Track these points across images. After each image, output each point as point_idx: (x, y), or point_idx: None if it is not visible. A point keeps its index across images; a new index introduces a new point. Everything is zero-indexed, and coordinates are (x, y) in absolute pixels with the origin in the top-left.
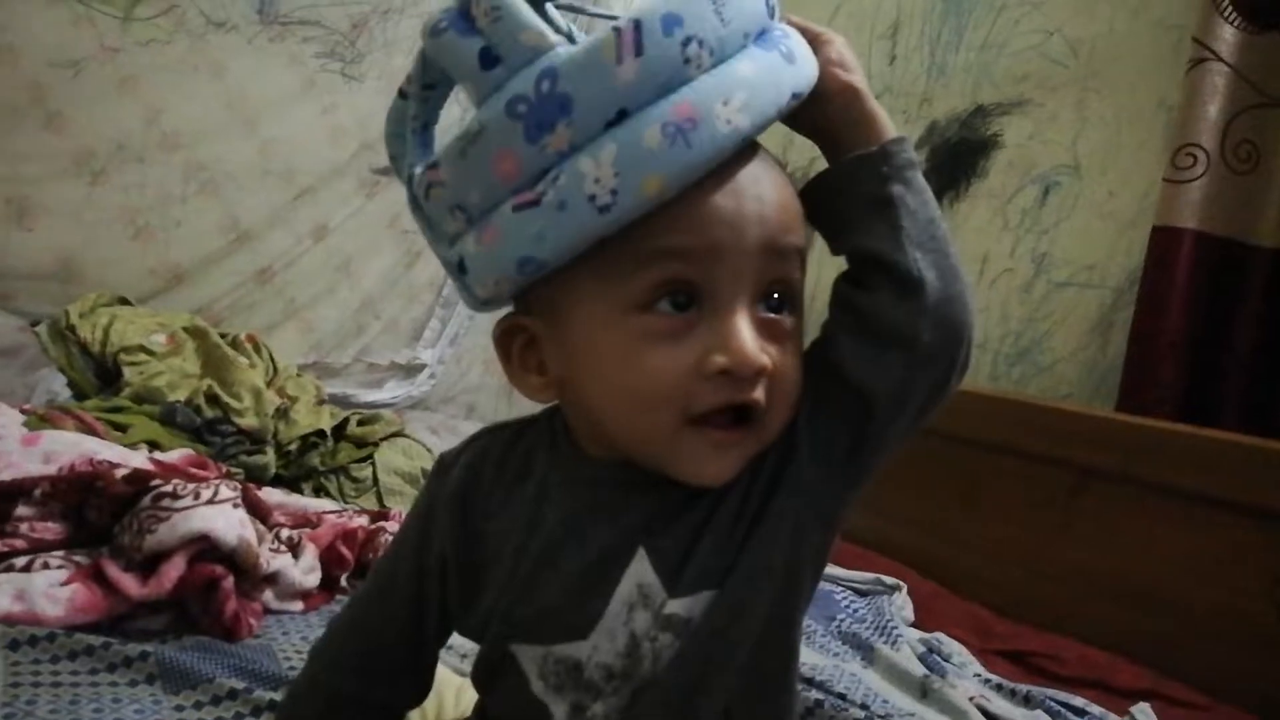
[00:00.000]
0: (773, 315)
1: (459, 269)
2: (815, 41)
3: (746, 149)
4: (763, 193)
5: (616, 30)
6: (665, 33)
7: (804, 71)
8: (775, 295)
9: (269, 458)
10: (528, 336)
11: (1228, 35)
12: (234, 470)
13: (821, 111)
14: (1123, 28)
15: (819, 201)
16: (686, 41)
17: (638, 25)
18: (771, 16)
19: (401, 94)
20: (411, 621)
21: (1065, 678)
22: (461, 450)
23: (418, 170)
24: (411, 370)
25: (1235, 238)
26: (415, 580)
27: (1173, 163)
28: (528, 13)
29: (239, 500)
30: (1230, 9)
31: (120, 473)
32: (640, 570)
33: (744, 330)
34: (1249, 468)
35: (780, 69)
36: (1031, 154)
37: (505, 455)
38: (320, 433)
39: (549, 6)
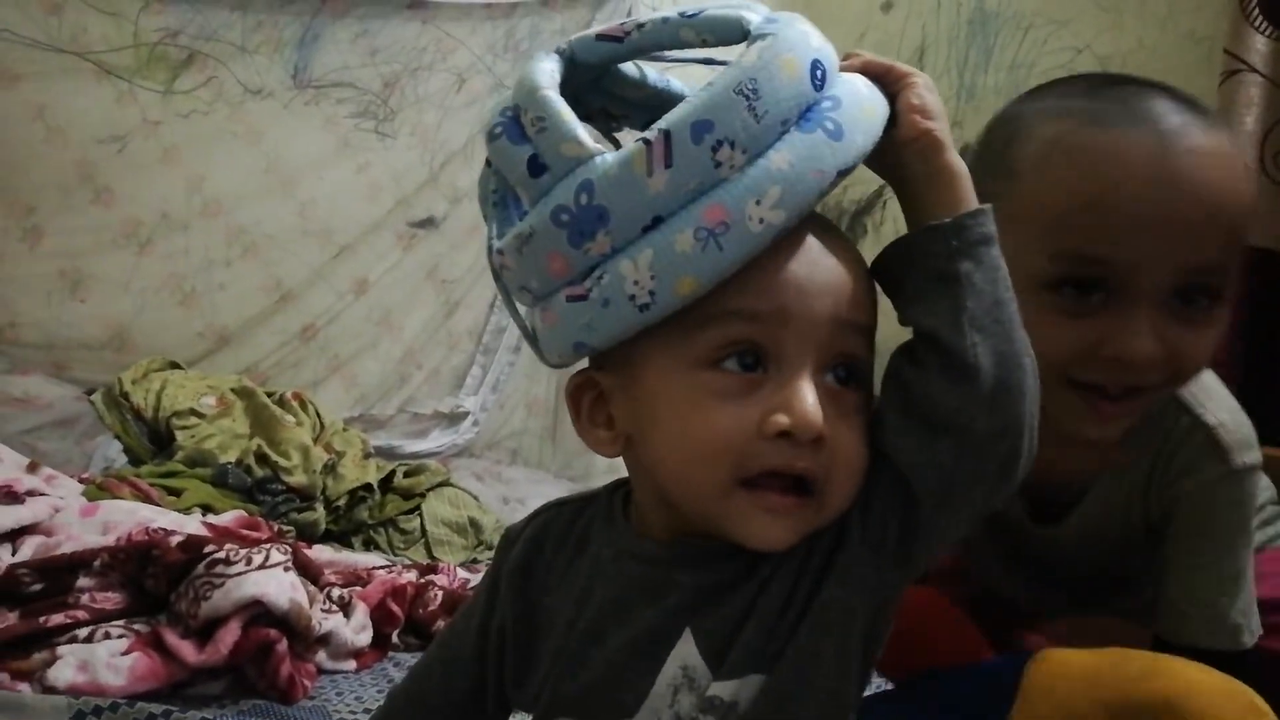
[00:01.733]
0: (839, 386)
1: (532, 337)
2: (896, 83)
3: (825, 225)
4: (835, 265)
5: (646, 142)
6: (694, 140)
7: (853, 146)
8: (841, 368)
9: (319, 514)
10: (597, 392)
11: (1259, 45)
12: (285, 529)
13: (898, 158)
14: (1152, 42)
15: (889, 269)
16: (717, 146)
17: (667, 137)
18: (820, 87)
19: (487, 162)
20: (471, 695)
21: None
22: (525, 524)
23: (492, 249)
24: (455, 418)
25: (1278, 250)
26: (478, 652)
27: None
28: (569, 123)
29: (289, 563)
30: (1260, 18)
31: (175, 540)
32: (686, 652)
33: (807, 393)
34: None
35: (822, 150)
36: None
37: (567, 530)
38: (368, 486)
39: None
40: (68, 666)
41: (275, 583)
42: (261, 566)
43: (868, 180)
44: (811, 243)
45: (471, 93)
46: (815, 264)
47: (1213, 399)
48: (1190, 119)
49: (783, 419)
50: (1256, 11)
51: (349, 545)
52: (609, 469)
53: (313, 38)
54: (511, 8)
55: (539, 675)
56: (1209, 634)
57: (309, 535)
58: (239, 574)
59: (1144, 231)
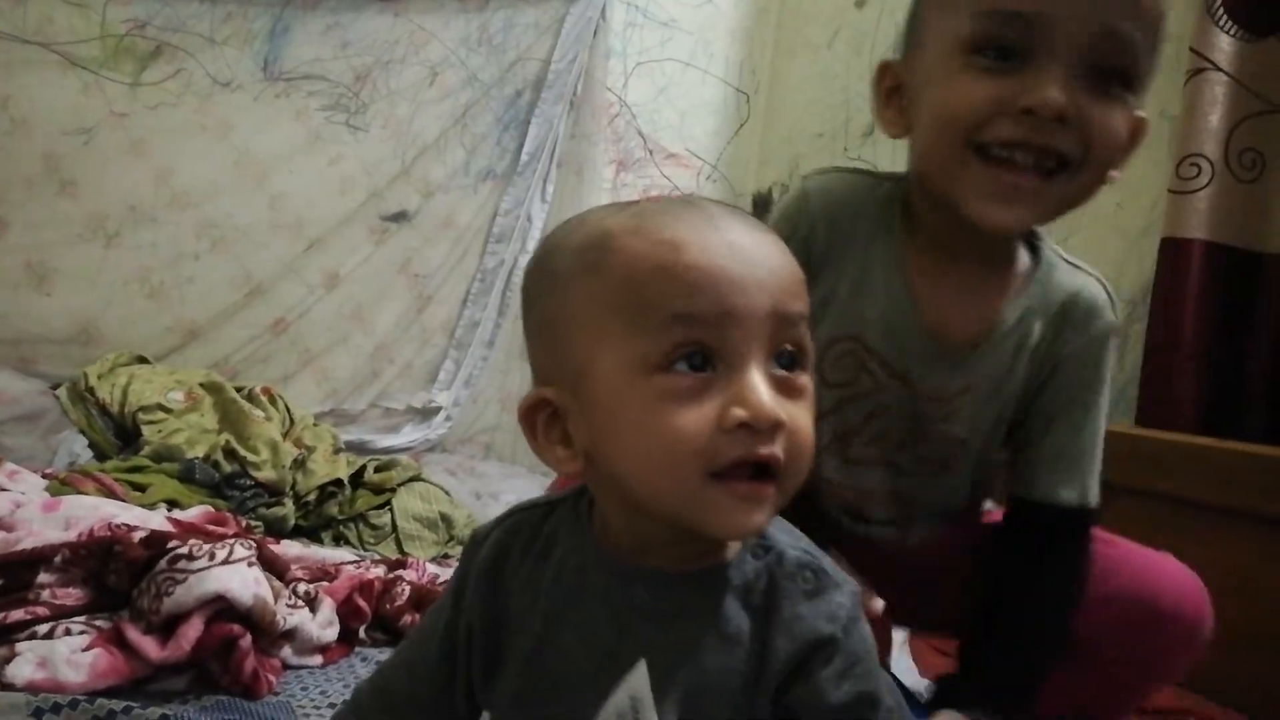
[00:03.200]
0: (786, 373)
1: None
2: None
3: (754, 224)
4: (769, 262)
5: None
6: None
7: None
8: (787, 353)
9: (288, 509)
10: (551, 410)
11: (1224, 44)
12: (253, 524)
13: None
14: None
15: None
16: None
17: None
18: None
19: None
20: (438, 694)
21: None
22: (494, 526)
23: None
24: (427, 413)
25: (1245, 246)
26: (445, 651)
27: (1177, 173)
28: None
29: (254, 559)
30: (1225, 17)
31: (138, 536)
32: (637, 684)
33: (760, 385)
34: (1274, 479)
35: None
36: None
37: (534, 534)
38: (338, 482)
39: None
40: (27, 663)
41: (239, 578)
42: (225, 562)
43: None
44: (745, 243)
45: (444, 86)
46: (751, 263)
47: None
48: None
49: (740, 411)
50: (1221, 10)
51: (319, 541)
52: None
53: (283, 29)
54: (484, 1)
55: (501, 683)
56: (1072, 489)
57: (278, 531)
58: (202, 569)
59: None
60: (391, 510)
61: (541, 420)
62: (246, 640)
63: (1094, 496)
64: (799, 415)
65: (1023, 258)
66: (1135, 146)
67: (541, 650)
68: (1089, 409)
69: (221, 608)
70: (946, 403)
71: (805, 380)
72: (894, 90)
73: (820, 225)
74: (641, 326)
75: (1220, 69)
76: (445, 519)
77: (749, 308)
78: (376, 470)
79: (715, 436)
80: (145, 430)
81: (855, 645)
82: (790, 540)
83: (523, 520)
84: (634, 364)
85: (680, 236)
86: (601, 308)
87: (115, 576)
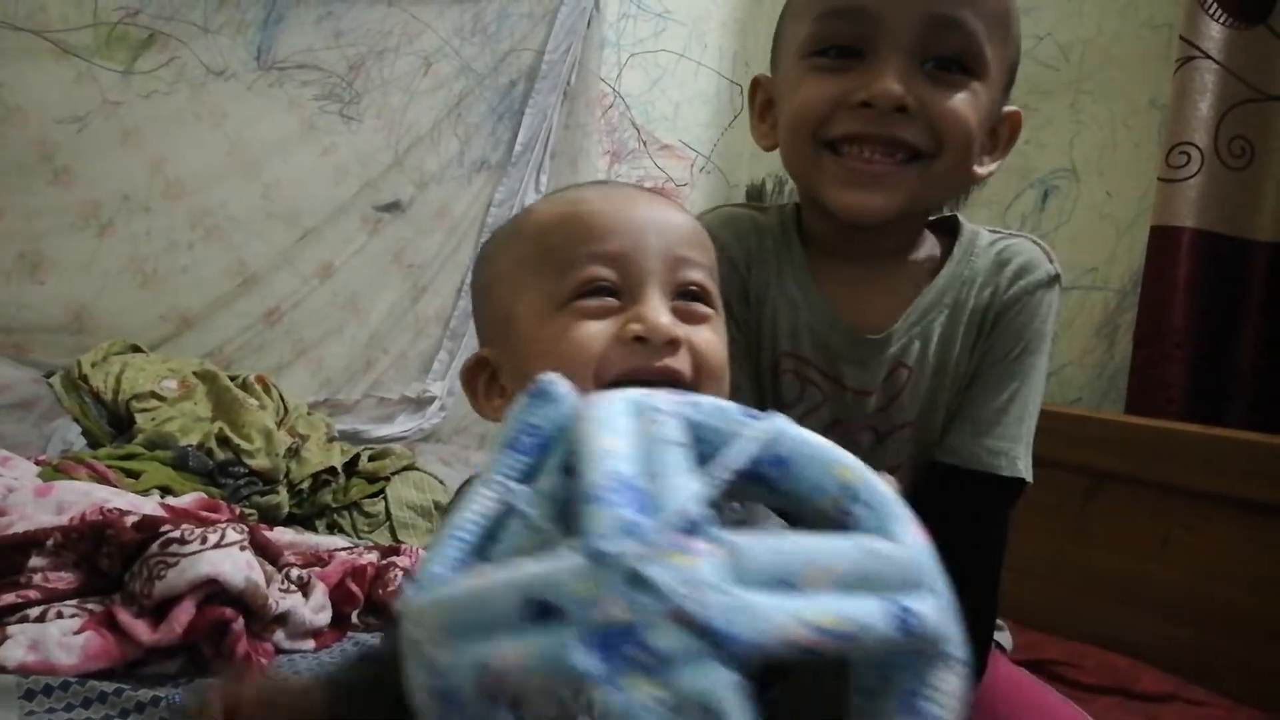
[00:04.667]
0: (686, 303)
1: None
2: None
3: (656, 198)
4: (667, 215)
5: None
6: None
7: None
8: (689, 291)
9: (281, 497)
10: (490, 372)
11: (1214, 32)
12: (247, 511)
13: None
14: (1111, 29)
15: None
16: None
17: None
18: None
19: None
20: None
21: (1087, 685)
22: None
23: None
24: (421, 403)
25: (1234, 234)
26: None
27: (1167, 162)
28: None
29: (246, 542)
30: (1215, 6)
31: (130, 520)
32: None
33: (657, 306)
34: (1260, 465)
35: None
36: (1028, 158)
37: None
38: (332, 470)
39: None
40: (18, 646)
41: (230, 561)
42: (217, 545)
43: None
44: (643, 201)
45: (438, 76)
46: (647, 215)
47: None
48: None
49: (636, 325)
50: None
51: (312, 528)
52: None
53: (276, 19)
54: None
55: None
56: (992, 454)
57: (272, 518)
58: (194, 553)
59: None
60: (385, 498)
61: (482, 381)
62: (239, 623)
63: (1017, 465)
64: (701, 334)
65: (930, 244)
66: (1011, 141)
67: None
68: (1020, 369)
69: (213, 591)
70: (879, 394)
71: (707, 309)
72: (766, 104)
73: (736, 251)
74: (552, 269)
75: (1210, 57)
76: (439, 507)
77: (647, 248)
78: (370, 459)
79: (610, 347)
80: (139, 418)
81: None
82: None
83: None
84: (547, 302)
85: (585, 195)
86: (519, 262)
87: (107, 560)
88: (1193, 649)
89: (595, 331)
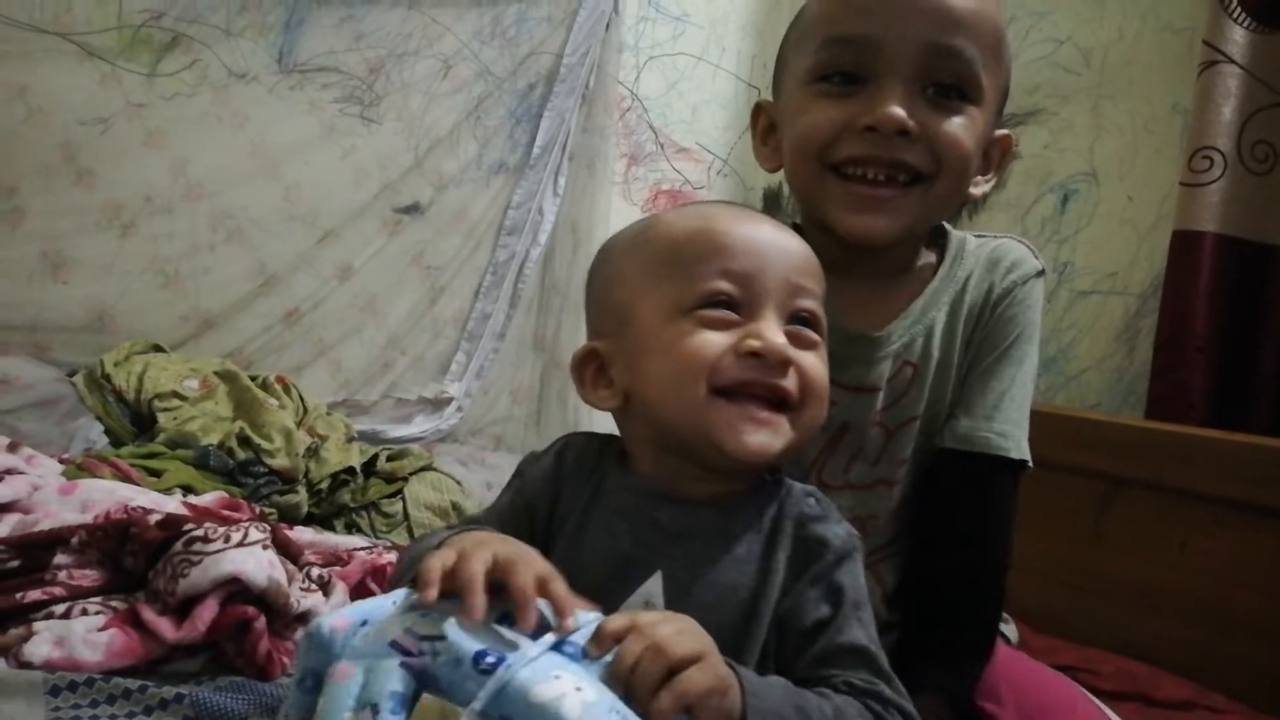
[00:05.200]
0: (798, 327)
1: None
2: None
3: (780, 225)
4: (787, 244)
5: None
6: None
7: None
8: (800, 317)
9: (301, 497)
10: (599, 363)
11: (1237, 36)
12: (267, 510)
13: None
14: (1132, 33)
15: None
16: None
17: None
18: None
19: None
20: None
21: (1105, 691)
22: (550, 447)
23: None
24: (439, 404)
25: (1256, 239)
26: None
27: (1189, 166)
28: None
29: (268, 541)
30: (1239, 9)
31: (154, 518)
32: (652, 589)
33: (774, 326)
34: (1278, 471)
35: None
36: (1048, 163)
37: (584, 451)
38: (350, 470)
39: None
40: (44, 642)
41: (253, 560)
42: (240, 544)
43: None
44: (768, 227)
45: (457, 79)
46: (772, 242)
47: None
48: None
49: (754, 341)
50: (1234, 3)
51: (331, 528)
52: None
53: (298, 22)
54: None
55: None
56: (989, 433)
57: (291, 518)
58: (217, 551)
59: (889, 10)
60: (403, 499)
61: (590, 371)
62: (261, 622)
63: (1023, 447)
64: (809, 359)
65: (925, 256)
66: (1005, 163)
67: (569, 550)
68: (1017, 356)
69: (236, 590)
70: (885, 391)
71: (815, 336)
72: (769, 129)
73: None
74: (680, 277)
75: (1233, 61)
76: (456, 508)
77: (769, 271)
78: (389, 459)
79: (726, 357)
80: (161, 417)
81: (843, 578)
82: (800, 481)
83: (576, 439)
84: (670, 307)
85: (714, 214)
86: (645, 267)
87: (131, 558)
88: (1211, 655)
89: (713, 340)
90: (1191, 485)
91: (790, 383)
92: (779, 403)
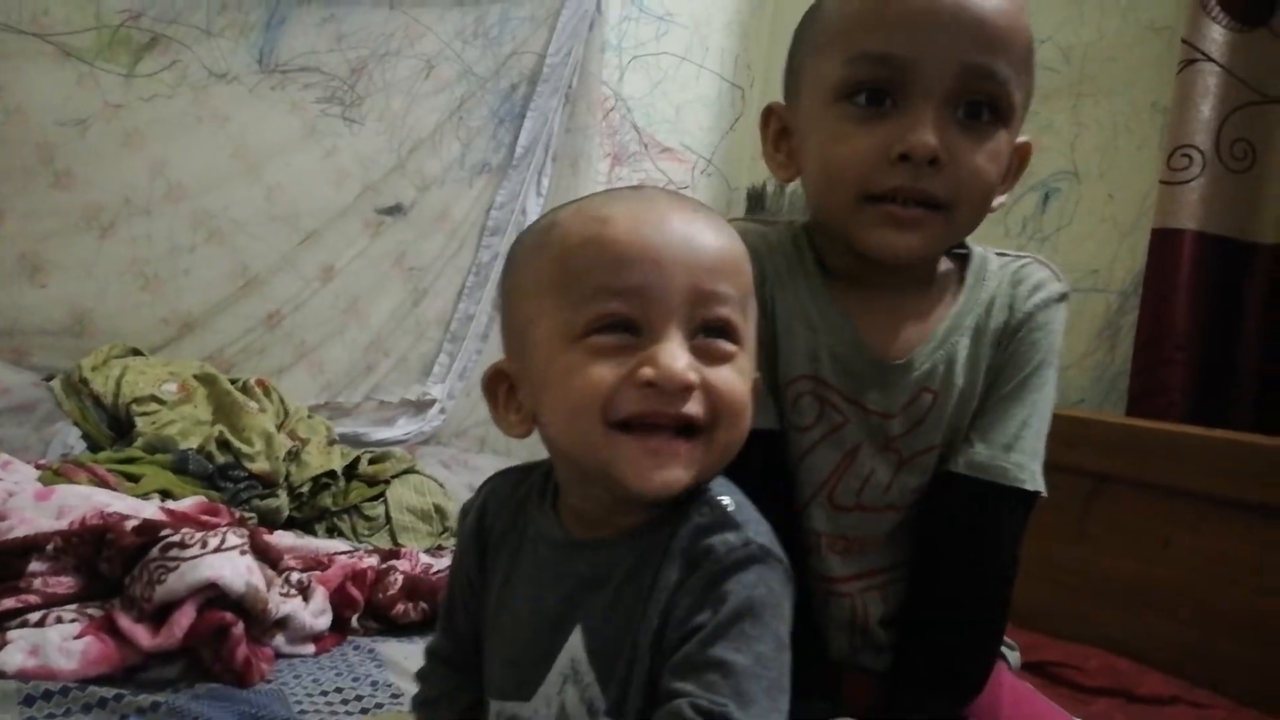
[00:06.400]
0: (708, 340)
1: None
2: None
3: (695, 208)
4: (696, 242)
5: None
6: None
7: None
8: (711, 327)
9: (281, 500)
10: (509, 384)
11: (1216, 35)
12: (247, 515)
13: None
14: (1112, 32)
15: None
16: None
17: None
18: None
19: None
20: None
21: (1089, 687)
22: (477, 495)
23: None
24: (422, 406)
25: (1236, 236)
26: (470, 614)
27: (1169, 164)
28: None
29: (246, 546)
30: (1217, 8)
31: (130, 524)
32: (575, 646)
33: (672, 351)
34: (1261, 467)
35: None
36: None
37: (506, 499)
38: (332, 473)
39: None
40: (18, 650)
41: (231, 565)
42: (217, 550)
43: None
44: (675, 221)
45: (440, 79)
46: (676, 241)
47: None
48: None
49: (649, 371)
50: (1213, 1)
51: (312, 532)
52: None
53: (279, 21)
54: None
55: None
56: (1024, 474)
57: (272, 522)
58: (194, 557)
59: (923, 27)
60: (385, 502)
61: (502, 391)
62: (239, 628)
63: (1038, 479)
64: (719, 375)
65: (944, 268)
66: (1020, 170)
67: (499, 611)
68: (1037, 383)
69: (213, 595)
70: (901, 417)
71: (730, 347)
72: (781, 134)
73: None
74: (570, 298)
75: (1212, 59)
76: (439, 510)
77: (670, 283)
78: (371, 462)
79: (620, 388)
80: (139, 422)
81: (730, 586)
82: (716, 490)
83: (498, 485)
84: (561, 333)
85: (612, 213)
86: (540, 281)
87: (107, 564)
88: (1195, 651)
89: (605, 373)
90: (1175, 482)
91: (695, 408)
92: (688, 429)
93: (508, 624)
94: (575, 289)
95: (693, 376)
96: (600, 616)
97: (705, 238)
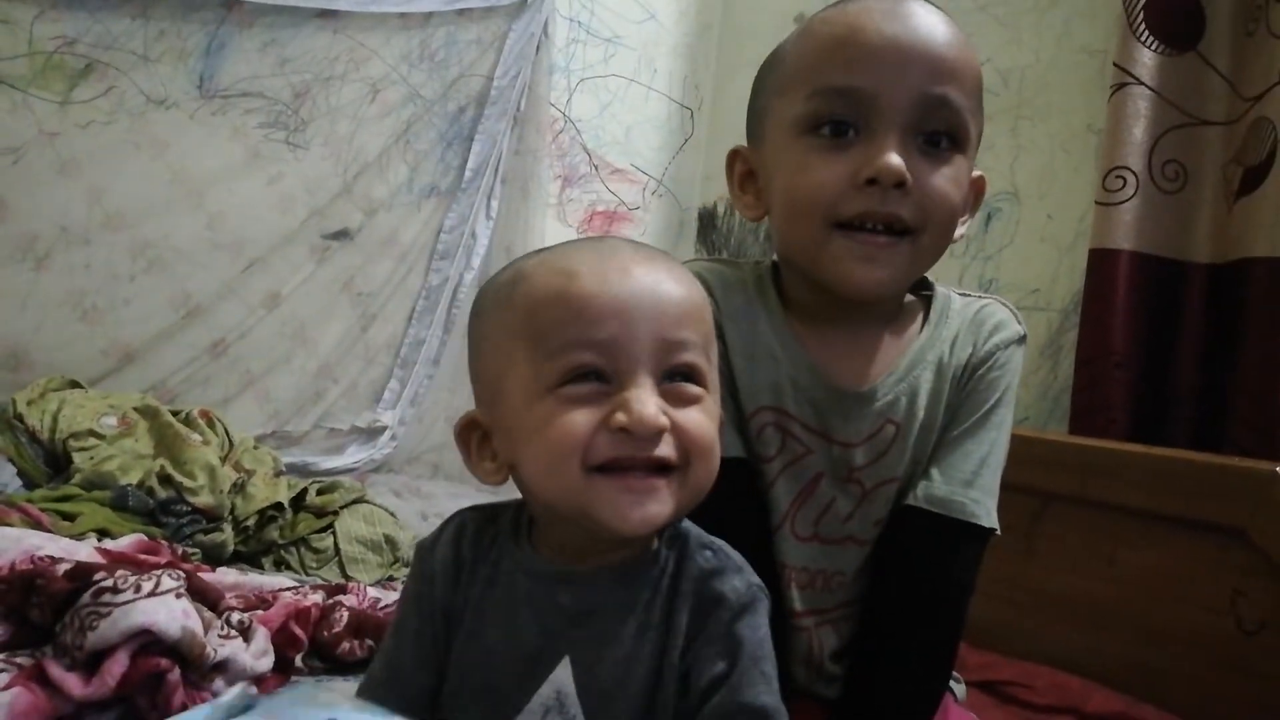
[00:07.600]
0: (676, 384)
1: None
2: None
3: (656, 258)
4: (659, 292)
5: None
6: None
7: None
8: (678, 373)
9: (226, 535)
10: (482, 432)
11: (1146, 59)
12: (190, 551)
13: None
14: (1048, 56)
15: None
16: None
17: None
18: None
19: None
20: (426, 699)
21: (1039, 705)
22: (441, 530)
23: None
24: (373, 433)
25: (1170, 256)
26: (421, 660)
27: (1104, 185)
28: None
29: (183, 589)
30: (1147, 33)
31: (62, 568)
32: (562, 678)
33: (643, 397)
34: (1199, 484)
35: None
36: None
37: (479, 534)
38: (278, 505)
39: None
40: None
41: (166, 610)
42: (152, 594)
43: None
44: (639, 273)
45: (385, 103)
46: (640, 292)
47: None
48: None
49: (622, 417)
50: (1143, 26)
51: (259, 566)
52: None
53: (219, 46)
54: (426, 17)
55: (449, 672)
56: (980, 510)
57: (216, 557)
58: (127, 602)
59: (883, 62)
60: (334, 533)
61: (474, 440)
62: (175, 674)
63: (984, 514)
64: (688, 417)
65: (910, 309)
66: (977, 203)
67: (471, 646)
68: (995, 421)
69: (148, 641)
70: (864, 448)
71: (696, 390)
72: (747, 176)
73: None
74: (541, 351)
75: (1143, 83)
76: (390, 541)
77: (637, 333)
78: (319, 493)
79: (597, 434)
80: (76, 457)
81: (742, 631)
82: (699, 532)
83: (469, 519)
84: (534, 385)
85: (576, 266)
86: (509, 335)
87: (38, 611)
88: (1141, 668)
89: (581, 420)
90: (1118, 499)
91: (667, 450)
92: (662, 468)
93: (477, 654)
94: (545, 343)
95: (664, 420)
96: (590, 649)
97: (668, 288)
